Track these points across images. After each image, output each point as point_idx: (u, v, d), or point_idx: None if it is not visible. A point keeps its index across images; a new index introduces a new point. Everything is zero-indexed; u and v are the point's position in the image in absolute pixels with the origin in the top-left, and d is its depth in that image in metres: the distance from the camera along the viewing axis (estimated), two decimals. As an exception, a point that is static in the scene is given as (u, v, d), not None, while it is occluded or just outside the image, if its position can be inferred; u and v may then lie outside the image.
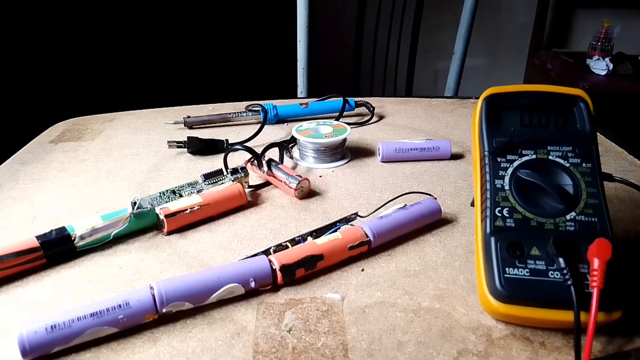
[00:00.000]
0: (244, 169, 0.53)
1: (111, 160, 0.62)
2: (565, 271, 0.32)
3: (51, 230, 0.42)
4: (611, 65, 1.61)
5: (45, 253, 0.41)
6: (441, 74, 1.91)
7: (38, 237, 0.41)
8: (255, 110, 0.74)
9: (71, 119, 0.77)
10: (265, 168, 0.54)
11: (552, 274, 0.33)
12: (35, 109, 1.19)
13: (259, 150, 0.57)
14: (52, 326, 0.31)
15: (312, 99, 0.78)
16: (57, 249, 0.41)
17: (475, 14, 1.33)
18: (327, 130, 0.61)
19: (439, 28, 1.78)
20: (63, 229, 0.42)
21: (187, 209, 0.46)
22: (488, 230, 0.35)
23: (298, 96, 1.26)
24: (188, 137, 0.63)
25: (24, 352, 0.31)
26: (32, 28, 1.45)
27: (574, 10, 1.99)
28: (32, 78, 1.44)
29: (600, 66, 1.63)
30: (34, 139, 0.70)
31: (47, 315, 0.32)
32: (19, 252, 0.40)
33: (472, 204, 0.50)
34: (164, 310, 0.34)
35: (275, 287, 0.38)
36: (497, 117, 0.40)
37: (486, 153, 0.38)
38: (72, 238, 0.42)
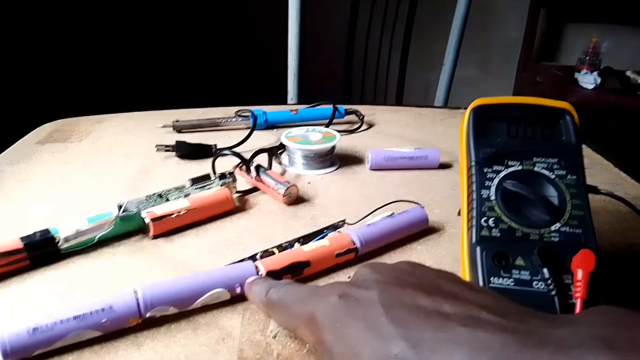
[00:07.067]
0: (232, 174, 0.53)
1: (98, 163, 0.61)
2: (549, 282, 0.32)
3: (35, 232, 0.41)
4: (599, 80, 1.64)
5: (29, 255, 0.40)
6: (431, 85, 1.93)
7: (22, 239, 0.40)
8: (244, 116, 0.73)
9: (59, 120, 0.77)
10: (253, 173, 0.54)
11: (536, 284, 0.33)
12: (22, 110, 1.18)
13: (247, 155, 0.57)
14: (34, 328, 0.31)
15: (302, 106, 0.79)
16: (41, 250, 0.41)
17: (466, 25, 1.34)
18: (316, 137, 0.61)
19: (430, 38, 1.80)
20: (47, 231, 0.42)
21: (173, 213, 0.46)
22: (474, 239, 0.35)
23: (288, 103, 1.26)
24: (177, 141, 0.63)
25: (5, 355, 0.30)
26: (21, 29, 1.44)
27: (564, 24, 2.02)
28: (20, 78, 1.43)
29: (588, 80, 1.65)
30: (21, 140, 0.69)
31: (29, 317, 0.32)
32: (2, 254, 0.39)
33: (460, 214, 0.50)
34: (148, 314, 0.34)
35: (261, 293, 0.38)
36: (484, 127, 0.40)
37: (473, 163, 0.38)
38: (57, 240, 0.41)
